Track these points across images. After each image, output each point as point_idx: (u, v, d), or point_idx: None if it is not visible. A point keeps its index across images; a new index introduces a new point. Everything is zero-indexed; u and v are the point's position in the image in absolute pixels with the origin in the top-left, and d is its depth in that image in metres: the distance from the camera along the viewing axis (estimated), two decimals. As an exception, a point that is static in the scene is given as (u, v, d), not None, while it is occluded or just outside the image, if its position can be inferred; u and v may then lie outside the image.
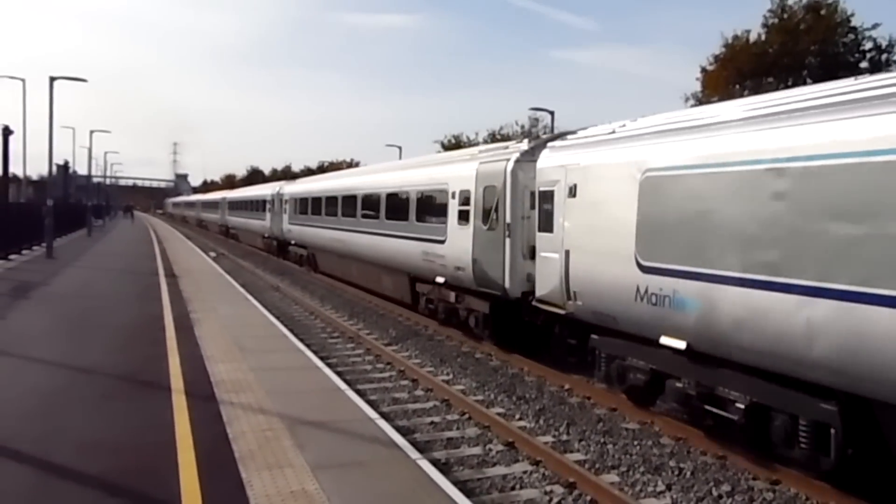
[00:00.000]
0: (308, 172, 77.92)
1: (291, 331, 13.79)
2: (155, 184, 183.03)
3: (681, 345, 8.30)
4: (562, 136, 12.10)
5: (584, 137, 11.13)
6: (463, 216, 14.25)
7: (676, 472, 7.85)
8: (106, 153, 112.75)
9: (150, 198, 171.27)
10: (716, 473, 7.84)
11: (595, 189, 10.05)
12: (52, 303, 16.61)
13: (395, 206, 18.43)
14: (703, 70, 35.02)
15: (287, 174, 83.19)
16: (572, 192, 10.52)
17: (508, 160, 12.90)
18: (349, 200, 22.51)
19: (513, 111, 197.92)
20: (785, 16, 32.46)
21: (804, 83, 27.38)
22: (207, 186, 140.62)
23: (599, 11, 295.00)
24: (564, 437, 9.01)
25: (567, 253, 10.53)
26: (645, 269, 8.75)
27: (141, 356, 10.84)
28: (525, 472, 7.76)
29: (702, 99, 33.53)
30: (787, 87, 27.34)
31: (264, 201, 37.75)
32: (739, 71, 32.86)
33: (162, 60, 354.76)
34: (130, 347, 11.57)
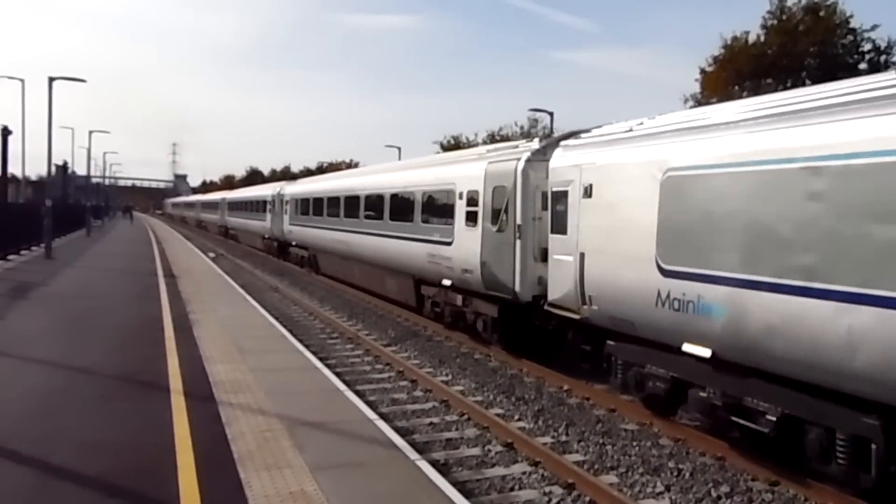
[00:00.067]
0: (307, 173, 77.97)
1: (290, 331, 13.78)
2: (154, 184, 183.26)
3: (705, 352, 7.91)
4: (575, 134, 11.69)
5: (599, 136, 10.72)
6: (471, 217, 13.93)
7: (675, 473, 7.85)
8: (105, 153, 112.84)
9: (149, 198, 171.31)
10: (715, 474, 7.84)
11: (612, 189, 9.66)
12: (51, 303, 16.60)
13: (399, 207, 18.14)
14: (702, 71, 35.06)
15: (286, 175, 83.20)
16: (588, 192, 10.14)
17: (519, 159, 12.55)
18: (352, 201, 22.22)
19: (512, 112, 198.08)
20: (784, 17, 32.49)
21: (803, 84, 27.42)
22: (206, 187, 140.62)
23: (599, 12, 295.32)
24: (563, 438, 9.01)
25: (582, 256, 10.16)
26: (667, 273, 8.38)
27: (140, 357, 10.84)
28: (524, 473, 7.76)
29: (701, 100, 33.57)
30: (785, 88, 27.39)
31: (265, 202, 37.55)
32: (738, 72, 32.89)
33: (161, 61, 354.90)
34: (129, 348, 11.57)
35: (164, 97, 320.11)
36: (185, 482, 5.98)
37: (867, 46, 31.98)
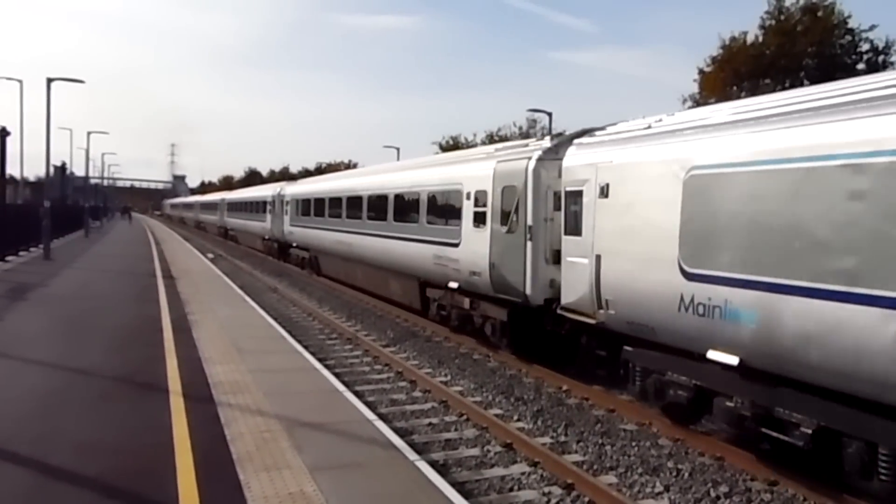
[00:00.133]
0: (306, 173, 78.02)
1: (289, 332, 13.78)
2: (153, 185, 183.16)
3: (733, 360, 7.48)
4: (589, 132, 11.32)
5: (615, 133, 10.32)
6: (479, 218, 13.58)
7: (674, 473, 7.86)
8: (103, 154, 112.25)
9: (147, 199, 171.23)
10: (714, 474, 7.84)
11: (631, 189, 9.25)
12: (49, 304, 16.59)
13: (404, 208, 17.80)
14: (701, 71, 35.15)
15: (285, 175, 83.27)
16: (604, 192, 9.72)
17: (530, 158, 12.14)
18: (355, 201, 21.85)
19: (511, 112, 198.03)
20: (782, 17, 32.58)
21: (801, 85, 27.49)
22: (205, 188, 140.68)
23: (598, 13, 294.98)
24: (563, 438, 9.02)
25: (598, 258, 9.75)
26: (690, 277, 7.97)
27: (139, 358, 10.83)
28: (523, 474, 7.77)
29: (699, 100, 33.62)
30: (783, 88, 27.44)
31: (265, 202, 37.29)
32: (737, 72, 32.97)
33: (159, 61, 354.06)
34: (128, 349, 11.56)
35: (162, 98, 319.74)
36: (183, 483, 5.98)
37: (865, 46, 32.10)
